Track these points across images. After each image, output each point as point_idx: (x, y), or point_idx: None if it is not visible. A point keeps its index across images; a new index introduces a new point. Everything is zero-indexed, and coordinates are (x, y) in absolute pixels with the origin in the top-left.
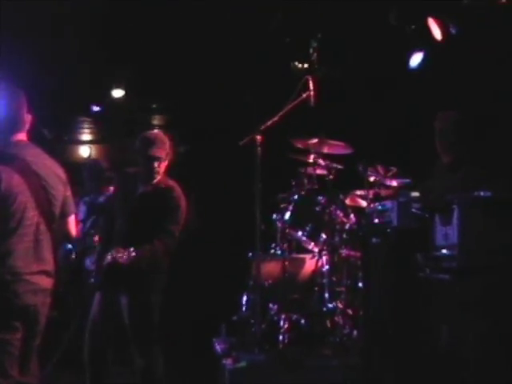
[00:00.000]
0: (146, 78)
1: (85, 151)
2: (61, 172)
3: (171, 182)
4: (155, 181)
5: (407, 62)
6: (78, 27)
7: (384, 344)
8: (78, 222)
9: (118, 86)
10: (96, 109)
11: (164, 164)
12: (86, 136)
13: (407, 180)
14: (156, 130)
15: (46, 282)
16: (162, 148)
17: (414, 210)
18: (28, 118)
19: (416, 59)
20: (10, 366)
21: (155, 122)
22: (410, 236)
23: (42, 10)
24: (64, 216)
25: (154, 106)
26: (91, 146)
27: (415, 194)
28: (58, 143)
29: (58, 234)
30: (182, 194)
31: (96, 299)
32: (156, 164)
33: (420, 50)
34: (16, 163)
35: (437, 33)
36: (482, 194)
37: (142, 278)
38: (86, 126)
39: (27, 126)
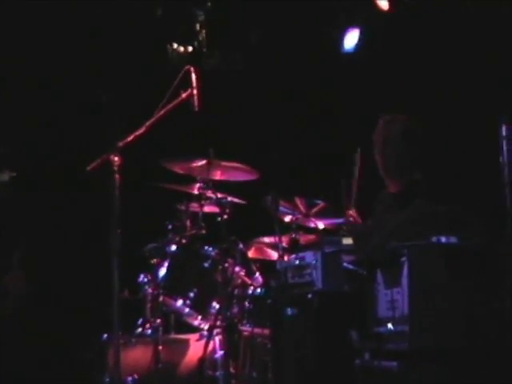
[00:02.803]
0: None
1: None
2: None
3: None
4: None
5: (339, 43)
6: None
7: None
8: None
9: None
10: None
11: None
12: None
13: (339, 220)
14: None
15: None
16: None
17: (345, 265)
18: None
19: (351, 39)
20: None
21: None
22: (340, 304)
23: None
24: None
25: None
26: None
27: (349, 241)
28: None
29: None
30: None
31: None
32: None
33: (356, 27)
34: None
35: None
36: (443, 239)
37: None
38: None
39: None
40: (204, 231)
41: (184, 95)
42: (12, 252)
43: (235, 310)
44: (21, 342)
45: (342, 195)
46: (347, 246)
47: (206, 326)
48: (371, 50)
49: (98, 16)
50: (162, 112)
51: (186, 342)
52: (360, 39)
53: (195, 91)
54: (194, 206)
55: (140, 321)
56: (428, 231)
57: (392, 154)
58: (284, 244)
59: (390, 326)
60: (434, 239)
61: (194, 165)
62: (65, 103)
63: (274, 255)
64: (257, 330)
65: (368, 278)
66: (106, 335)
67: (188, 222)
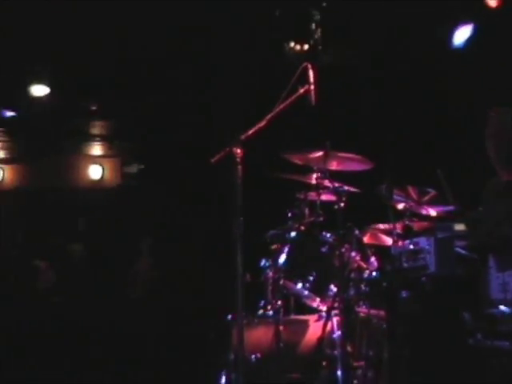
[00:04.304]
0: (80, 68)
1: None
2: None
3: None
4: None
5: (449, 39)
6: None
7: None
8: None
9: (39, 81)
10: (9, 114)
11: None
12: None
13: (450, 207)
14: None
15: None
16: None
17: (458, 250)
18: None
19: (461, 35)
20: None
21: (95, 131)
22: (453, 286)
23: None
24: None
25: (93, 107)
26: (3, 166)
27: (461, 227)
28: None
29: None
30: None
31: None
32: None
33: (467, 23)
34: None
35: None
36: None
37: None
38: None
39: None
40: (322, 218)
41: (302, 90)
42: (141, 241)
43: (352, 292)
44: (149, 322)
45: (441, 184)
46: (459, 231)
47: (324, 308)
48: (481, 46)
49: (223, 17)
50: (281, 106)
51: (305, 323)
52: (470, 35)
53: (312, 87)
54: (312, 195)
55: (262, 303)
56: None
57: (504, 144)
58: (398, 230)
59: (502, 307)
60: None
61: (312, 156)
62: (190, 100)
63: (389, 241)
64: (373, 312)
65: (480, 262)
66: (230, 316)
67: (306, 210)
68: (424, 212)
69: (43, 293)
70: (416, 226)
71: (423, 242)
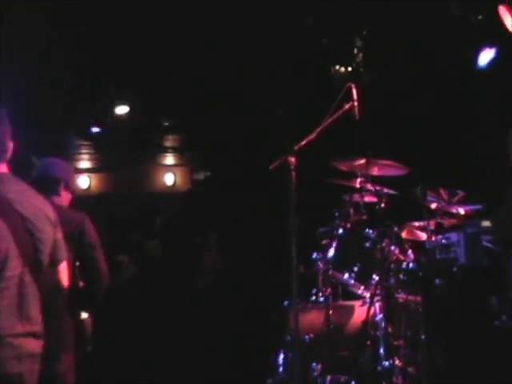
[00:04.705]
0: (157, 90)
1: (84, 182)
2: (50, 211)
3: None
4: None
5: (475, 60)
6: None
7: None
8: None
9: (121, 102)
10: (96, 130)
11: None
12: (85, 163)
13: (477, 206)
14: None
15: (33, 346)
16: None
17: (485, 244)
18: (10, 145)
19: (486, 57)
20: None
21: (168, 143)
22: (481, 275)
23: (37, 26)
24: (54, 264)
25: (167, 124)
26: (91, 175)
27: (487, 223)
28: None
29: (46, 285)
30: None
31: None
32: None
33: (491, 46)
34: None
35: (510, 24)
36: None
37: None
38: (84, 151)
39: (9, 156)
40: (365, 217)
41: (347, 107)
42: (208, 237)
43: (392, 281)
44: (216, 308)
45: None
46: (486, 227)
47: (367, 295)
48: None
49: (279, 45)
50: (329, 121)
51: (351, 308)
52: (494, 57)
53: (355, 103)
54: (357, 197)
55: (314, 290)
56: None
57: None
58: (431, 227)
59: None
60: None
61: (356, 163)
62: (250, 116)
63: (423, 236)
64: (410, 298)
65: (504, 254)
66: (287, 302)
67: (352, 210)
68: (454, 211)
69: (125, 283)
70: (447, 223)
71: (454, 236)
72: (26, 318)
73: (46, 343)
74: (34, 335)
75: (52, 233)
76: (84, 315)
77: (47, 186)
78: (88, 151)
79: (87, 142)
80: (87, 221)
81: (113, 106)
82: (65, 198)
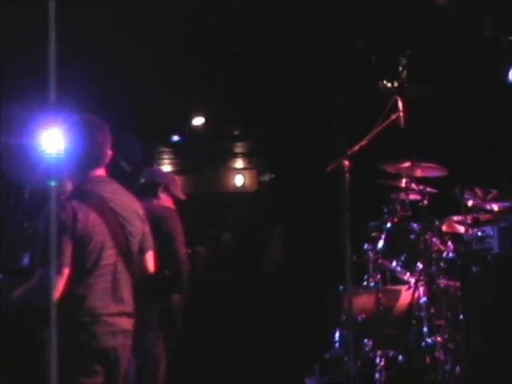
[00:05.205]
0: (226, 104)
1: None
2: (139, 208)
3: None
4: None
5: (505, 76)
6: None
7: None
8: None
9: (197, 114)
10: (176, 138)
11: None
12: (166, 167)
13: (509, 203)
14: None
15: (126, 323)
16: None
17: None
18: (109, 153)
19: None
20: None
21: (237, 149)
22: None
23: (121, 38)
24: (142, 252)
25: (235, 132)
26: None
27: None
28: (137, 176)
29: (135, 271)
30: None
31: None
32: None
33: None
34: (93, 200)
35: None
36: None
37: None
38: (166, 156)
39: (107, 161)
40: (410, 213)
41: (393, 117)
42: (273, 230)
43: (434, 268)
44: (280, 293)
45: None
46: None
47: (412, 280)
48: None
49: (337, 65)
50: (378, 129)
51: (398, 291)
52: None
53: (401, 114)
54: (402, 195)
55: (365, 277)
56: None
57: None
58: (468, 221)
59: None
60: None
61: (402, 166)
62: (309, 125)
63: (461, 229)
64: (450, 283)
65: None
66: (341, 287)
67: (398, 207)
68: (488, 207)
69: (202, 271)
70: (482, 217)
71: (488, 229)
72: (119, 299)
73: (137, 321)
74: (126, 314)
75: (140, 226)
76: (172, 297)
77: (149, 189)
78: (169, 157)
79: (169, 149)
80: (170, 215)
81: (190, 118)
82: (165, 199)
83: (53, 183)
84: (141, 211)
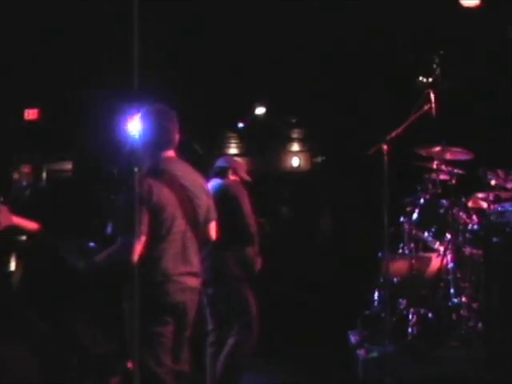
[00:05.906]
0: (285, 95)
1: None
2: (205, 183)
3: None
4: None
5: None
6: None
7: (508, 336)
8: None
9: (260, 105)
10: (241, 125)
11: None
12: (233, 150)
13: None
14: None
15: (193, 282)
16: None
17: None
18: (177, 137)
19: None
20: (163, 355)
21: (294, 135)
22: None
23: (191, 33)
24: (207, 222)
25: (293, 120)
26: (237, 159)
27: None
28: (209, 157)
29: (201, 238)
30: None
31: None
32: None
33: None
34: (166, 177)
35: None
36: None
37: None
38: (233, 141)
39: (176, 144)
40: (440, 190)
41: (426, 107)
42: (324, 205)
43: (460, 238)
44: (328, 260)
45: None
46: None
47: (441, 248)
48: None
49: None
50: (413, 118)
51: (429, 258)
52: None
53: (433, 105)
54: (434, 175)
55: (401, 245)
56: None
57: None
58: (491, 198)
59: None
60: None
61: (433, 150)
62: (354, 115)
63: (485, 205)
64: (474, 251)
65: None
66: (380, 253)
67: (430, 185)
68: (508, 186)
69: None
70: (503, 195)
71: (508, 205)
72: (187, 261)
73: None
74: (193, 274)
75: (206, 200)
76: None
77: (221, 172)
78: (236, 141)
79: (235, 134)
80: (234, 191)
81: (254, 107)
82: (234, 180)
83: (133, 164)
84: (206, 186)
